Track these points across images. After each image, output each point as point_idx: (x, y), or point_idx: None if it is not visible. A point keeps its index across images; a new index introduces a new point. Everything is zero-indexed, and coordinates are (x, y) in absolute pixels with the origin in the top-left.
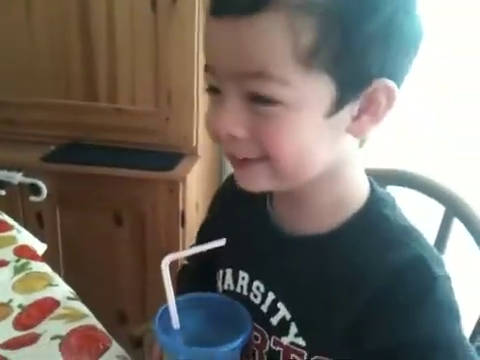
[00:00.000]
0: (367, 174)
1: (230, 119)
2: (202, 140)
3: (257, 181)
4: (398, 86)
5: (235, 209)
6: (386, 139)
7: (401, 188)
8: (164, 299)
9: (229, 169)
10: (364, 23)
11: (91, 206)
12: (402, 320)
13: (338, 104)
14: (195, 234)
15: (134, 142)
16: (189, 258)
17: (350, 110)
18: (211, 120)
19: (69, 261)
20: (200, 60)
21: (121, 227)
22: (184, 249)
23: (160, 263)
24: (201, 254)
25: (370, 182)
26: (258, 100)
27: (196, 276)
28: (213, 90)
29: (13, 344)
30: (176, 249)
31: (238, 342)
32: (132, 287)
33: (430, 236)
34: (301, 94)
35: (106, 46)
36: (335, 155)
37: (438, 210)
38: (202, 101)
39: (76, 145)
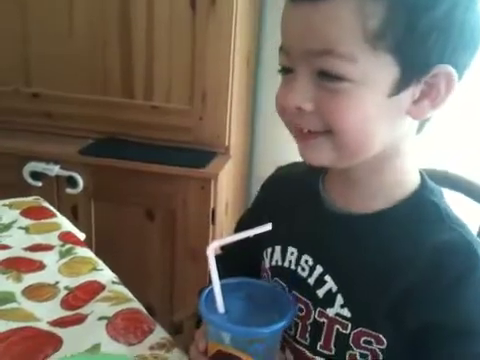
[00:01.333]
0: None
1: (299, 93)
2: (234, 140)
3: (319, 154)
4: (459, 76)
5: (285, 194)
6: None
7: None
8: (192, 293)
9: (258, 170)
10: (427, 12)
11: (124, 200)
12: (444, 301)
13: (400, 85)
14: (224, 232)
15: (168, 139)
16: (224, 249)
17: (412, 93)
18: (281, 96)
19: (101, 253)
20: (236, 61)
21: (153, 222)
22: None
23: (188, 259)
24: (237, 245)
25: (420, 173)
26: (326, 76)
27: (230, 266)
28: (285, 70)
29: (62, 323)
30: (205, 246)
31: (281, 325)
32: (160, 281)
33: None
34: (366, 72)
35: (144, 44)
36: (394, 136)
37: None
38: (236, 101)
39: (112, 140)
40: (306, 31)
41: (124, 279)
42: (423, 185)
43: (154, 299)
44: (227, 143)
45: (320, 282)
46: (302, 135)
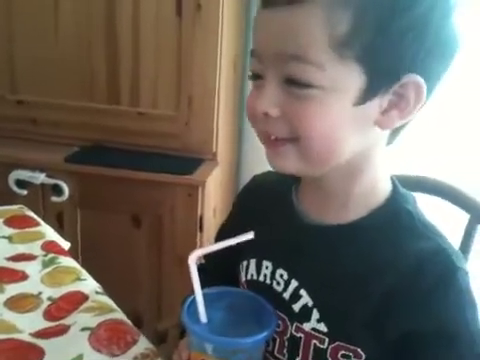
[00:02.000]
0: None
1: (267, 99)
2: (221, 146)
3: (286, 162)
4: (430, 87)
5: (259, 203)
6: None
7: (422, 195)
8: (187, 297)
9: (246, 176)
10: (397, 19)
11: (111, 208)
12: (424, 308)
13: (367, 94)
14: (212, 239)
15: (155, 146)
16: (206, 258)
17: (379, 102)
18: (250, 102)
19: (87, 261)
20: (222, 66)
21: (139, 229)
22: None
23: (176, 266)
24: (219, 254)
25: (392, 180)
26: (294, 83)
27: (212, 276)
28: (255, 76)
29: (44, 334)
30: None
31: (263, 335)
32: (148, 289)
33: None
34: (333, 79)
35: (130, 50)
36: (361, 147)
37: (461, 217)
38: (222, 107)
39: (98, 147)
40: (275, 36)
41: (111, 287)
42: (395, 193)
43: (142, 307)
44: (214, 149)
45: (295, 297)
46: (270, 142)
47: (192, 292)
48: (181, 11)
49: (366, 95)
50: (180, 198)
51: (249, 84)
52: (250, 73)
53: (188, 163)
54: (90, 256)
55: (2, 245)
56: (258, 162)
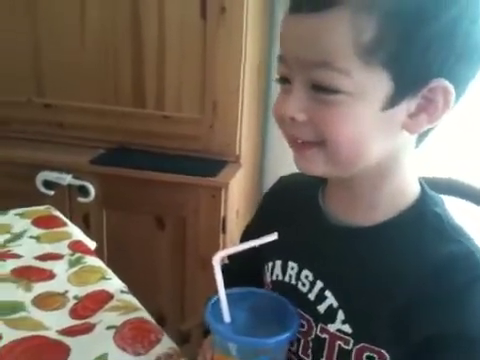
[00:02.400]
0: None
1: (294, 104)
2: (245, 148)
3: (313, 165)
4: (458, 91)
5: (286, 204)
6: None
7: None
8: (202, 301)
9: (269, 178)
10: (423, 28)
11: (136, 209)
12: (449, 311)
13: (394, 99)
14: (235, 240)
15: (179, 148)
16: (231, 259)
17: (407, 107)
18: (277, 106)
19: (112, 261)
20: (246, 69)
21: (163, 230)
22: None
23: (199, 267)
24: (244, 254)
25: (420, 183)
26: (320, 88)
27: (237, 276)
28: (282, 80)
29: (70, 332)
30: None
31: (286, 336)
32: (171, 289)
33: None
34: (360, 85)
35: (155, 54)
36: (389, 150)
37: None
38: (246, 110)
39: (123, 149)
40: (302, 42)
41: (135, 286)
42: (424, 195)
43: (165, 307)
44: (238, 152)
45: (321, 298)
46: (297, 145)
47: (216, 292)
48: (206, 14)
49: (393, 100)
50: (203, 200)
51: (273, 87)
52: (278, 77)
53: (212, 165)
54: (115, 256)
55: (30, 245)
56: (281, 164)
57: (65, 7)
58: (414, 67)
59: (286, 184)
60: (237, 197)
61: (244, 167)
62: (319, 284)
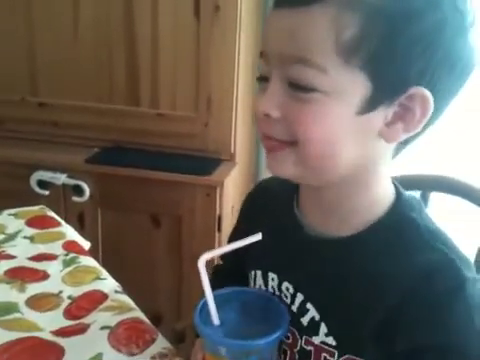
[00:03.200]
0: (402, 180)
1: (269, 100)
2: (239, 146)
3: (282, 165)
4: (438, 105)
5: (263, 213)
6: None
7: (440, 194)
8: (199, 300)
9: (264, 176)
10: (406, 29)
11: (131, 207)
12: (432, 321)
13: (371, 103)
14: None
15: (173, 146)
16: (223, 259)
17: (384, 114)
18: (255, 103)
19: (108, 261)
20: (240, 67)
21: (159, 229)
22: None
23: (195, 266)
24: (234, 255)
25: (395, 186)
26: (297, 86)
27: (230, 275)
28: (263, 79)
29: (64, 332)
30: None
31: (275, 336)
32: (168, 288)
33: (472, 242)
34: (336, 85)
35: (149, 52)
36: (364, 157)
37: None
38: (241, 108)
39: (118, 148)
40: (282, 36)
41: (131, 286)
42: (399, 200)
43: (161, 306)
44: (233, 150)
45: (303, 310)
46: (270, 146)
47: (204, 295)
48: (199, 12)
49: (370, 104)
50: (199, 198)
51: None
52: (258, 75)
53: (206, 164)
54: (111, 256)
55: (24, 245)
56: None
57: (59, 5)
58: (394, 70)
59: (264, 188)
60: (232, 195)
61: (239, 165)
62: (300, 296)
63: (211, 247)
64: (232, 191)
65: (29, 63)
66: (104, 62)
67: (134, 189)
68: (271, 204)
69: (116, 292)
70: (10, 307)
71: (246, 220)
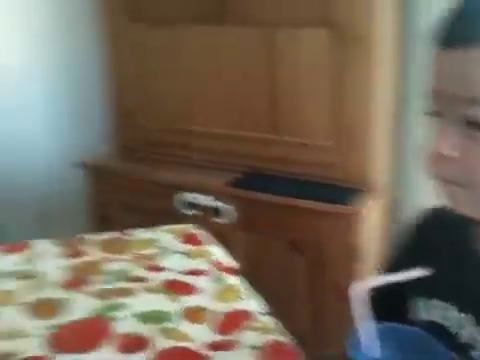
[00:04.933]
0: None
1: (445, 140)
2: (379, 177)
3: (460, 205)
4: None
5: (438, 238)
6: None
7: None
8: (339, 330)
9: (404, 207)
10: None
11: (270, 232)
12: None
13: None
14: (369, 270)
15: (313, 175)
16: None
17: None
18: (428, 142)
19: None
20: (377, 98)
21: (297, 255)
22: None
23: (334, 295)
24: (385, 287)
25: None
26: (474, 125)
27: (384, 306)
28: (433, 114)
29: (213, 346)
30: (348, 283)
31: None
32: (307, 316)
33: None
34: None
35: (289, 82)
36: None
37: None
38: (379, 138)
39: (258, 174)
40: (455, 77)
41: (271, 309)
42: None
43: (301, 332)
44: (372, 180)
45: (473, 341)
46: (445, 182)
47: (353, 325)
48: (339, 41)
49: None
50: (337, 227)
51: (411, 118)
52: (429, 110)
53: (346, 193)
54: (249, 279)
55: (176, 260)
56: (417, 196)
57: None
58: None
59: (441, 218)
60: (374, 225)
61: (378, 196)
62: (470, 328)
63: (349, 276)
64: (370, 222)
65: (189, 97)
66: (248, 93)
67: (274, 215)
68: (448, 233)
69: (260, 313)
70: (163, 316)
71: (407, 251)
